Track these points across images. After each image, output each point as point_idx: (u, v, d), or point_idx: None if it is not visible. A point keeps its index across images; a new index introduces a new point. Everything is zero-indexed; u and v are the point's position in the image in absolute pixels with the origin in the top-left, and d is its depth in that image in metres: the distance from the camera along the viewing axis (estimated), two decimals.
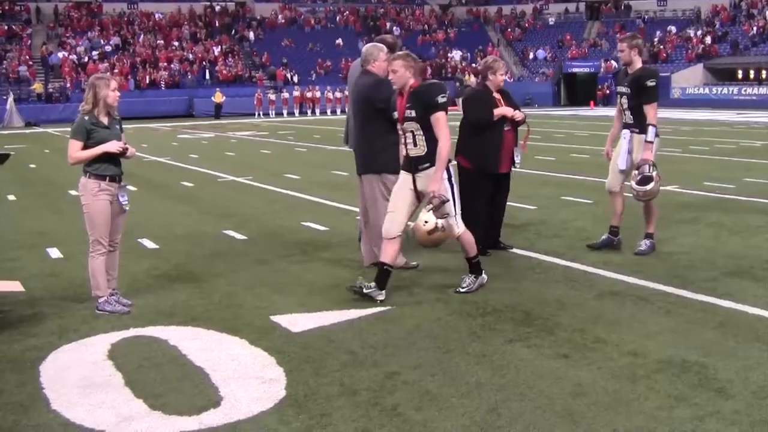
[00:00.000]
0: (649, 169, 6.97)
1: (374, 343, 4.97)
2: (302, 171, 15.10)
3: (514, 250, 7.46)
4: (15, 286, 6.18)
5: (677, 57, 47.24)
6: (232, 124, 34.84)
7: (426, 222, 6.32)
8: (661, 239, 7.88)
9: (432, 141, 5.78)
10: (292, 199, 11.60)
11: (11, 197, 12.45)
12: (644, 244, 7.34)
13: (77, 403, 4.14)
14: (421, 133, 5.81)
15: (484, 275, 6.20)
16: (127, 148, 5.77)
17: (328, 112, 42.60)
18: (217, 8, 52.95)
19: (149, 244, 8.30)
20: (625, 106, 7.21)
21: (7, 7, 47.70)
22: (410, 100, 5.81)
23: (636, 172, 7.05)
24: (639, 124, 7.08)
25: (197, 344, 5.04)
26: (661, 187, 7.16)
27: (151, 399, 4.16)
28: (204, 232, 9.01)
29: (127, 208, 5.94)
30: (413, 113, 5.80)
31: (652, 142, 7.00)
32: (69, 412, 4.04)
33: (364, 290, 5.83)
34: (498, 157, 7.23)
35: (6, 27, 45.91)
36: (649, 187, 6.99)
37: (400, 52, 6.02)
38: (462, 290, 6.05)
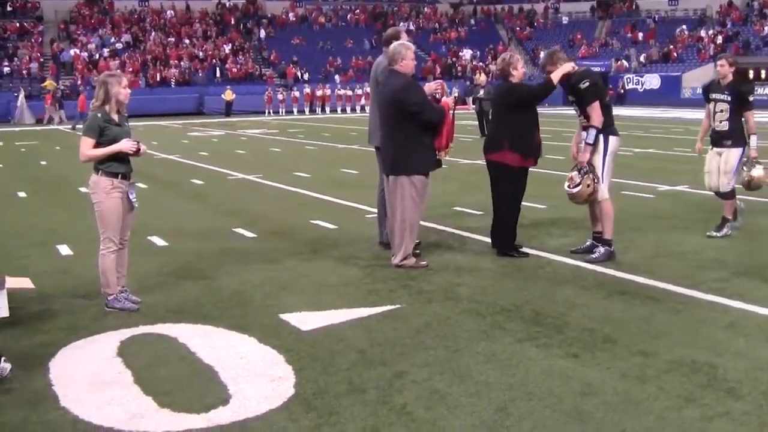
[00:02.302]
0: (580, 173, 6.92)
1: (383, 341, 4.97)
2: (312, 169, 15.10)
3: (524, 250, 7.44)
4: (25, 282, 6.21)
5: (688, 57, 46.99)
6: (242, 121, 34.90)
7: None
8: (671, 239, 7.86)
9: None
10: (301, 197, 11.61)
11: (22, 194, 12.50)
12: (598, 251, 7.06)
13: (86, 400, 4.16)
14: None
15: (4, 363, 4.45)
16: (139, 147, 5.78)
17: (338, 110, 42.61)
18: (228, 5, 53.01)
19: (159, 241, 8.32)
20: (578, 113, 7.23)
21: (18, 4, 47.88)
22: None
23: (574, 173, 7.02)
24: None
25: (206, 342, 5.05)
26: (594, 191, 6.95)
27: (159, 396, 4.17)
28: (213, 230, 9.02)
29: (136, 205, 5.96)
30: None
31: (591, 145, 6.94)
32: (78, 408, 4.06)
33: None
34: (537, 147, 7.31)
35: (17, 24, 46.10)
36: (575, 190, 6.95)
37: None
38: None
